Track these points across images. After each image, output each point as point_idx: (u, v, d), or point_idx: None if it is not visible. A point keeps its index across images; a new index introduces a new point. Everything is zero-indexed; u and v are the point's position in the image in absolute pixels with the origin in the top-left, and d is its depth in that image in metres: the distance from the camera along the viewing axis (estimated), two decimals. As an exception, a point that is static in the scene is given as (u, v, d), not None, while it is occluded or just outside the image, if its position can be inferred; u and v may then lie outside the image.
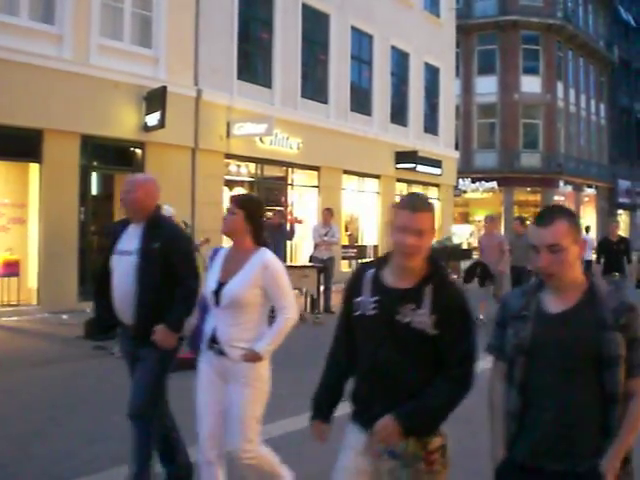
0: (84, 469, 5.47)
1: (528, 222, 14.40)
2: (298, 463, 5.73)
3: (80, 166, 14.35)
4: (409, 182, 26.56)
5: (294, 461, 5.78)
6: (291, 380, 8.77)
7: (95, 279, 5.82)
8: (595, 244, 27.25)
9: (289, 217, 20.17)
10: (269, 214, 16.32)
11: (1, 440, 6.16)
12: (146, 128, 15.27)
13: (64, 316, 13.24)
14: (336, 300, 15.15)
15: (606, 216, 47.66)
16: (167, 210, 11.43)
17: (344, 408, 7.08)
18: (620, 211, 51.82)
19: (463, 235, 31.91)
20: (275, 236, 13.77)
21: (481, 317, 12.83)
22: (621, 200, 50.91)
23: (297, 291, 14.87)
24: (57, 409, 7.18)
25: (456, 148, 31.22)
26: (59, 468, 5.53)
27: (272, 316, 4.47)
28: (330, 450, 6.03)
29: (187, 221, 11.99)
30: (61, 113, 13.73)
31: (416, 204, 3.11)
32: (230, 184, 18.55)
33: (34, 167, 13.92)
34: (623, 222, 52.46)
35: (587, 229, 24.71)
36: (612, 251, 12.85)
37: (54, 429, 6.51)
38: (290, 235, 15.30)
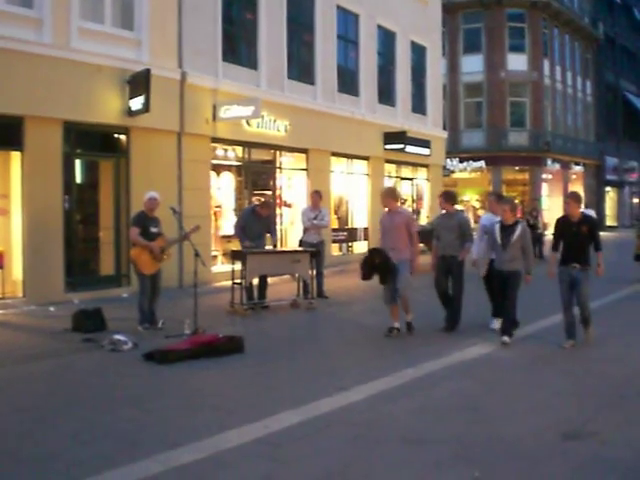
0: (73, 472, 5.18)
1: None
2: (301, 461, 5.46)
3: (63, 153, 13.92)
4: (398, 163, 26.31)
5: (297, 459, 5.51)
6: (287, 369, 8.50)
7: None
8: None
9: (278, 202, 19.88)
10: (255, 202, 15.97)
11: (-13, 442, 5.86)
12: (130, 113, 14.83)
13: (51, 308, 12.90)
14: (329, 285, 14.90)
15: (593, 193, 47.66)
16: (151, 195, 11.16)
17: (338, 401, 6.86)
18: (608, 188, 51.84)
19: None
20: (259, 222, 13.41)
21: (396, 325, 10.49)
22: (609, 177, 50.93)
23: (289, 276, 14.62)
24: (45, 408, 6.87)
25: (444, 128, 30.93)
26: (46, 471, 5.25)
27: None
28: (334, 446, 5.80)
29: (176, 207, 11.59)
30: (42, 99, 13.29)
31: None
32: (217, 168, 18.18)
33: (15, 155, 13.46)
34: (610, 199, 52.58)
35: (586, 205, 24.55)
36: (571, 234, 9.59)
37: (42, 430, 6.18)
38: (272, 227, 14.38)
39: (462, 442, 5.84)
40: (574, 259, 9.52)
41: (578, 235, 9.51)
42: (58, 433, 6.09)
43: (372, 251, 11.01)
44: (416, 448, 5.72)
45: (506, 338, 9.79)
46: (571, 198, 9.78)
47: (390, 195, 10.93)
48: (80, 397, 7.25)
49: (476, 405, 6.96)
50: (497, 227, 10.04)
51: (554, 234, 9.99)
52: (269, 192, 19.62)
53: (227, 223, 18.50)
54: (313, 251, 13.65)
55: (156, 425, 6.30)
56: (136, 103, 14.69)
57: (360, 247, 23.73)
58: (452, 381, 7.90)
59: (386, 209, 10.89)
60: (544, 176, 42.24)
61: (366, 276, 10.62)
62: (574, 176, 46.84)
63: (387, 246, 10.59)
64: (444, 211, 11.41)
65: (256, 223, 13.33)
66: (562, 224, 9.81)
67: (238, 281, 12.68)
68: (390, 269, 10.35)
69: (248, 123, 18.15)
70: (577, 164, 46.37)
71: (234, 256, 13.18)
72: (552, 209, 42.60)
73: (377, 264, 10.46)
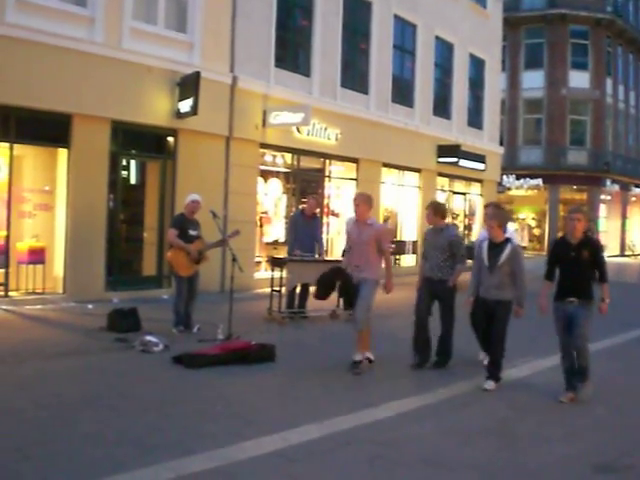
0: (79, 474, 5.06)
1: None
2: (315, 478, 5.24)
3: (110, 152, 13.95)
4: (451, 177, 25.94)
5: (311, 476, 5.28)
6: (315, 381, 8.27)
7: None
8: None
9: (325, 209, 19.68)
10: (303, 201, 15.77)
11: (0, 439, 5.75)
12: (179, 115, 14.81)
13: (89, 306, 12.91)
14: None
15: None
16: (193, 197, 11.09)
17: (363, 418, 6.61)
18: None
19: (507, 233, 31.21)
20: (309, 226, 13.23)
21: (369, 356, 9.08)
22: (670, 200, 49.58)
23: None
24: (64, 406, 6.75)
25: (501, 143, 30.44)
26: (56, 472, 5.10)
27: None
28: (352, 465, 5.55)
29: (215, 211, 11.40)
30: (91, 98, 13.35)
31: None
32: (265, 174, 18.07)
33: (62, 152, 13.53)
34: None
35: None
36: (569, 261, 7.67)
37: (57, 428, 6.07)
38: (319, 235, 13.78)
39: (486, 469, 5.56)
40: (572, 292, 7.64)
41: (578, 262, 7.60)
42: (72, 432, 5.96)
43: (334, 270, 9.30)
44: (437, 473, 5.45)
45: (490, 384, 8.13)
46: (581, 213, 7.78)
47: (364, 200, 8.99)
48: (101, 397, 7.13)
49: (506, 430, 6.65)
50: (485, 245, 8.40)
51: (548, 259, 8.12)
52: (315, 195, 19.40)
53: (273, 229, 18.38)
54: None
55: (173, 430, 6.14)
56: (185, 105, 14.65)
57: (408, 260, 23.40)
58: (484, 403, 7.58)
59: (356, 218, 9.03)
60: (603, 197, 41.33)
61: (320, 295, 9.26)
62: (633, 198, 45.79)
63: (351, 263, 9.01)
64: (431, 226, 9.46)
65: (305, 226, 13.10)
66: (558, 247, 7.95)
67: (277, 289, 12.52)
68: (352, 292, 8.81)
69: (298, 130, 18.02)
70: (637, 186, 45.29)
71: (274, 263, 13.02)
72: (610, 231, 41.73)
73: (339, 286, 9.03)
